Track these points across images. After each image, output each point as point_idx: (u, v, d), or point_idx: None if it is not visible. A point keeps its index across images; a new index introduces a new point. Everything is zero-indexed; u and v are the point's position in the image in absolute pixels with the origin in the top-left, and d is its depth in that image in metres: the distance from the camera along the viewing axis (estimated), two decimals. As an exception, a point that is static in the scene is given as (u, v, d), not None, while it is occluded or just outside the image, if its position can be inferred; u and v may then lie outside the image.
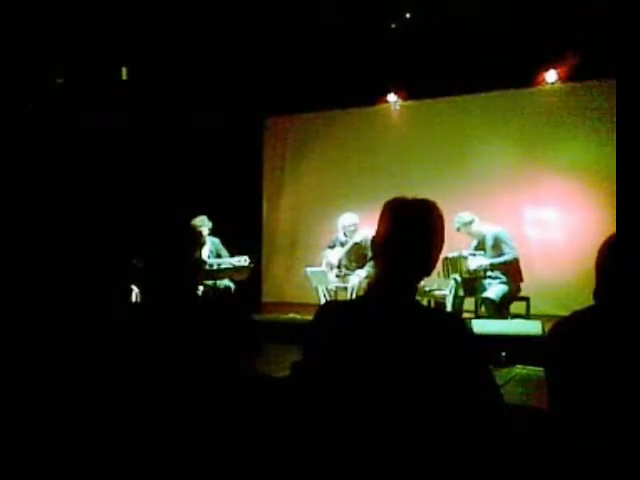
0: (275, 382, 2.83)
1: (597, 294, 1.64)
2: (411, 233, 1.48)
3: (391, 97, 7.31)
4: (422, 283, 5.48)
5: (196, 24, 5.88)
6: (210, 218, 6.17)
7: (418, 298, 5.29)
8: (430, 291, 5.76)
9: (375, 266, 1.54)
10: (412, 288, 1.50)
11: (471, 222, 5.58)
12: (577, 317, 1.61)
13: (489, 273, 5.50)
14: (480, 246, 5.64)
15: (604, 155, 6.40)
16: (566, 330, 1.62)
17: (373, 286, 1.52)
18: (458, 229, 5.59)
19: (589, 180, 6.45)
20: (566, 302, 5.44)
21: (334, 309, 1.55)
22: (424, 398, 1.37)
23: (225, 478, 1.73)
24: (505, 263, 5.43)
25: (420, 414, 1.37)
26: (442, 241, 1.54)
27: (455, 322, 1.46)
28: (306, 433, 1.44)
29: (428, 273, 1.53)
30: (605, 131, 6.37)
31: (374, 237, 1.55)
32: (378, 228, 1.55)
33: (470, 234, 5.66)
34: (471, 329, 1.52)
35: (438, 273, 5.61)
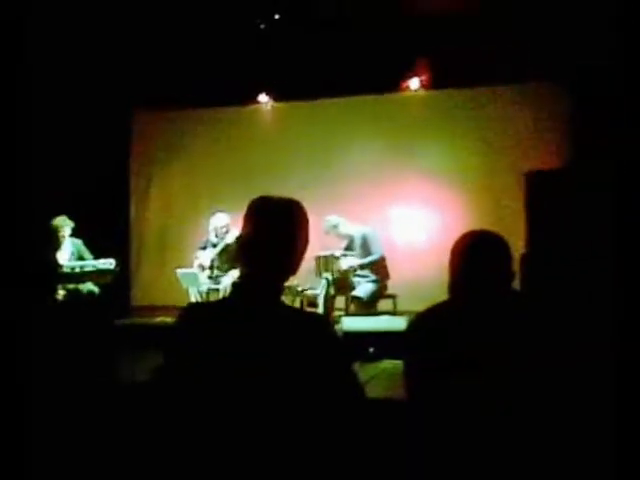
0: (137, 388, 2.73)
1: (451, 289, 1.75)
2: (274, 233, 1.48)
3: (262, 98, 7.32)
4: (295, 282, 5.55)
5: (64, 12, 5.52)
6: (72, 218, 5.83)
7: (291, 298, 5.29)
8: (303, 291, 5.84)
9: (241, 266, 1.53)
10: (276, 288, 1.50)
11: (337, 225, 5.79)
12: (431, 311, 1.71)
13: (359, 272, 5.70)
14: (349, 246, 5.83)
15: (463, 160, 6.89)
16: (421, 323, 1.71)
17: (237, 287, 1.51)
18: (327, 232, 5.75)
19: (449, 183, 6.89)
20: (430, 298, 5.74)
21: (196, 312, 1.52)
22: (288, 398, 1.38)
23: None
24: (373, 263, 5.67)
25: (283, 413, 1.38)
26: (306, 241, 1.55)
27: (317, 322, 1.48)
28: (167, 438, 1.40)
29: (292, 273, 1.53)
30: (463, 137, 6.85)
31: (239, 237, 1.54)
32: (243, 228, 1.54)
33: (339, 236, 5.86)
34: (334, 328, 1.56)
35: (311, 270, 5.72)
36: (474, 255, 1.70)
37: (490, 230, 1.77)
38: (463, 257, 1.72)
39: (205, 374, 1.41)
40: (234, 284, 1.53)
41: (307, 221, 1.55)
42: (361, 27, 6.19)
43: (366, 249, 5.73)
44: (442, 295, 1.77)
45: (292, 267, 1.53)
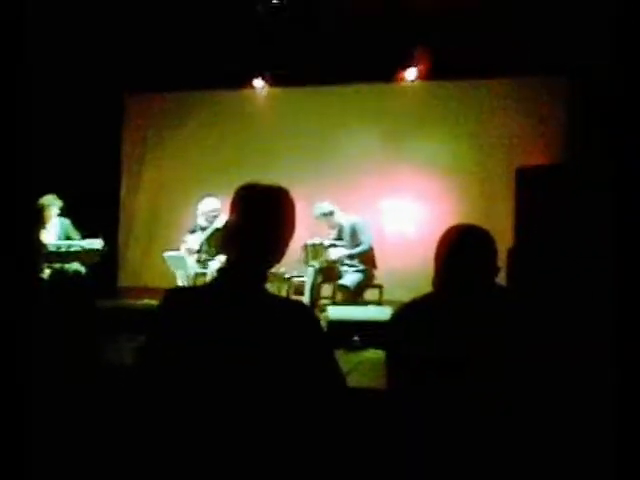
0: (123, 370, 2.73)
1: (435, 281, 1.76)
2: (260, 220, 1.48)
3: (257, 82, 7.27)
4: (282, 269, 5.56)
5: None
6: (61, 197, 5.79)
7: (277, 285, 5.30)
8: (290, 278, 5.85)
9: (226, 252, 1.54)
10: (261, 275, 1.51)
11: (330, 213, 5.75)
12: (415, 303, 1.72)
13: (346, 261, 5.72)
14: (339, 235, 5.84)
15: (456, 153, 6.89)
16: (404, 315, 1.72)
17: (222, 272, 1.51)
18: (317, 218, 5.74)
19: (441, 176, 6.90)
20: (416, 289, 5.76)
21: (179, 296, 1.52)
22: (269, 384, 1.39)
23: (72, 468, 1.66)
24: (361, 253, 5.68)
25: (265, 399, 1.39)
26: (293, 228, 1.55)
27: (300, 309, 1.49)
28: (148, 424, 1.40)
29: (277, 260, 1.54)
30: (457, 130, 6.85)
31: (226, 223, 1.54)
32: (229, 214, 1.54)
33: (329, 224, 5.85)
34: (316, 315, 1.57)
35: (299, 259, 5.73)
36: (459, 248, 1.71)
37: (476, 225, 1.78)
38: (448, 250, 1.73)
39: (186, 359, 1.41)
40: (219, 270, 1.53)
41: (293, 208, 1.55)
42: (360, 16, 6.15)
43: (355, 239, 5.74)
44: (428, 286, 1.78)
45: (277, 254, 1.53)
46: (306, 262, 5.75)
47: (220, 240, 5.82)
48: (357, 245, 5.72)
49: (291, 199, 1.55)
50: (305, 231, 6.26)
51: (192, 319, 1.44)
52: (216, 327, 1.41)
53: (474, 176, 6.83)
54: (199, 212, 6.12)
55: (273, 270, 4.70)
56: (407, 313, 1.73)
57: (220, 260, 5.81)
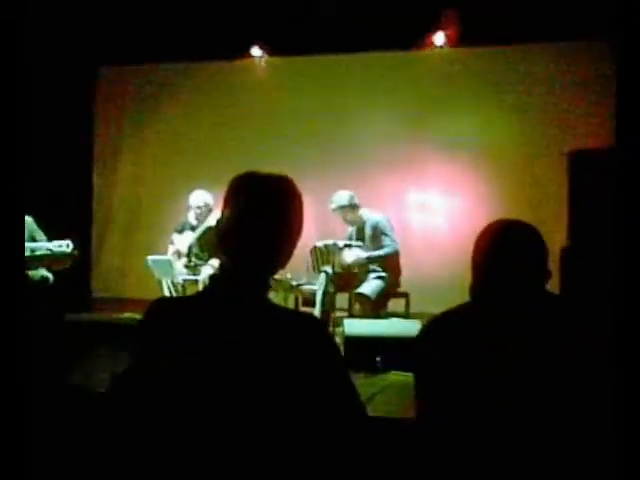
0: (96, 397, 2.75)
1: (473, 290, 1.75)
2: (261, 216, 1.48)
3: (255, 51, 7.29)
4: (288, 276, 5.56)
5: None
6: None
7: (283, 294, 5.29)
8: (298, 286, 5.85)
9: (220, 255, 1.54)
10: (262, 283, 1.51)
11: (354, 206, 5.72)
12: (449, 316, 1.71)
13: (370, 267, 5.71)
14: (358, 235, 5.82)
15: (494, 134, 6.87)
16: (436, 331, 1.71)
17: (215, 280, 1.51)
18: (335, 211, 5.72)
19: (477, 162, 6.88)
20: (449, 299, 5.75)
21: (165, 308, 1.53)
22: (272, 415, 1.38)
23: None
24: (384, 257, 5.66)
25: (271, 434, 1.38)
26: (300, 225, 1.56)
27: (310, 323, 1.49)
28: (127, 455, 1.41)
29: (282, 265, 1.54)
30: (494, 107, 6.82)
31: (219, 220, 1.54)
32: (223, 209, 1.54)
33: (346, 220, 5.83)
34: (330, 331, 1.57)
35: (308, 268, 5.73)
36: (501, 249, 1.70)
37: (521, 220, 1.77)
38: (487, 251, 1.72)
39: (174, 386, 1.41)
40: (212, 277, 1.54)
41: (301, 201, 1.56)
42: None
43: (377, 241, 5.72)
44: (464, 295, 1.78)
45: (282, 257, 1.53)
46: (316, 267, 5.75)
47: (213, 241, 5.84)
48: (378, 248, 5.70)
49: (297, 190, 1.55)
50: (314, 231, 6.28)
51: (181, 336, 1.44)
52: (209, 346, 1.41)
53: (516, 162, 6.81)
54: (188, 208, 6.14)
55: (277, 277, 4.71)
56: (439, 328, 1.72)
57: (213, 265, 5.83)
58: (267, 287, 1.53)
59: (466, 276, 1.80)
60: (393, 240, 5.71)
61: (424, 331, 1.76)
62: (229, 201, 1.53)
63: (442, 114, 7.02)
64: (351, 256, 5.65)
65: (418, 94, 7.07)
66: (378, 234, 5.72)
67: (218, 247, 1.53)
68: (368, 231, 5.77)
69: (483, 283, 1.72)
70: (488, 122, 6.90)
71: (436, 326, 1.74)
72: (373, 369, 4.27)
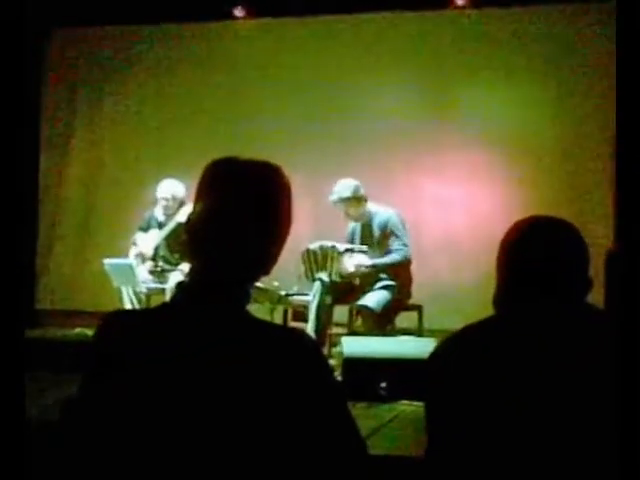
0: (46, 427, 2.77)
1: (497, 301, 1.75)
2: (241, 211, 1.48)
3: (238, 11, 7.31)
4: (275, 284, 5.56)
5: None
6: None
7: (269, 307, 5.27)
8: (287, 296, 5.85)
9: (190, 258, 1.54)
10: (241, 293, 1.50)
11: (359, 199, 5.67)
12: (469, 333, 1.71)
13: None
14: (364, 234, 5.80)
15: (526, 116, 6.86)
16: (453, 351, 1.71)
17: (184, 289, 1.51)
18: (336, 203, 5.67)
19: (505, 149, 6.89)
20: (473, 312, 5.75)
21: (124, 323, 1.52)
22: (253, 451, 1.38)
23: None
24: (393, 265, 5.64)
25: (249, 473, 1.39)
26: (288, 224, 1.56)
27: (299, 342, 1.48)
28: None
29: (267, 270, 1.54)
30: (526, 82, 6.82)
31: (189, 216, 1.54)
32: (195, 202, 1.54)
33: (349, 216, 5.80)
34: (322, 352, 1.57)
35: (299, 275, 5.73)
36: (530, 251, 1.70)
37: (556, 217, 1.77)
38: (514, 254, 1.72)
39: (134, 417, 1.41)
40: (179, 285, 1.53)
41: (289, 193, 1.56)
42: None
43: (386, 243, 5.69)
44: (488, 308, 1.78)
45: (265, 262, 1.53)
46: (310, 274, 5.75)
47: (182, 241, 5.83)
48: (387, 251, 5.67)
49: (286, 180, 1.55)
50: (307, 230, 6.27)
51: (141, 358, 1.43)
52: (175, 371, 1.40)
53: (556, 149, 6.80)
54: (155, 201, 6.15)
55: (262, 285, 4.73)
56: (457, 347, 1.71)
57: (185, 270, 5.83)
58: (247, 298, 1.52)
59: (491, 285, 1.80)
60: (405, 244, 5.67)
61: (439, 351, 1.76)
62: (202, 193, 1.52)
63: (466, 88, 7.04)
64: (352, 263, 5.63)
65: (436, 64, 7.08)
66: (388, 234, 5.70)
67: (188, 249, 1.52)
68: (376, 230, 5.75)
69: (508, 293, 1.72)
70: (522, 99, 6.91)
71: (453, 345, 1.73)
72: (377, 398, 4.28)
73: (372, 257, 5.68)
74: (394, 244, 5.67)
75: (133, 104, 7.78)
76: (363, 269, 5.63)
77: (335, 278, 5.66)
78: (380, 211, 5.80)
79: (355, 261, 5.65)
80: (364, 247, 5.74)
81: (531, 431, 1.55)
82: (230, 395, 1.39)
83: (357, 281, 5.69)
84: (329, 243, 5.74)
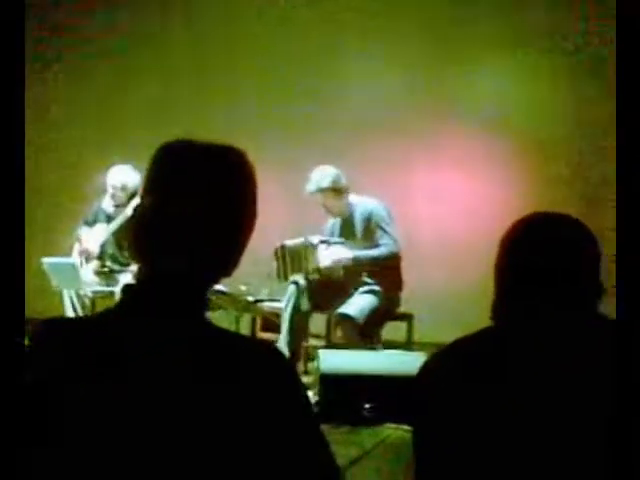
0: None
1: (495, 310, 1.75)
2: (197, 202, 1.47)
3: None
4: (242, 288, 5.55)
5: None
6: None
7: (234, 314, 5.28)
8: (255, 302, 5.84)
9: (137, 259, 1.53)
10: (198, 297, 1.50)
11: (338, 190, 5.64)
12: (463, 346, 1.71)
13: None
14: (345, 230, 5.80)
15: (542, 94, 6.88)
16: (444, 367, 1.71)
17: (131, 293, 1.50)
18: (313, 193, 5.65)
19: (514, 131, 6.92)
20: (467, 322, 5.76)
21: (62, 333, 1.51)
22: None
23: None
24: (378, 259, 5.64)
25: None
26: (253, 217, 1.55)
27: (265, 356, 1.48)
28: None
29: (227, 272, 1.53)
30: (535, 54, 6.85)
31: (137, 207, 1.54)
32: (143, 193, 1.53)
33: (328, 209, 5.78)
34: (295, 368, 1.56)
35: (269, 273, 5.71)
36: (533, 252, 1.70)
37: (564, 213, 1.78)
38: (514, 255, 1.73)
39: (75, 443, 1.40)
40: (127, 288, 1.52)
41: (254, 185, 1.55)
42: None
43: (371, 237, 5.69)
44: (486, 317, 1.78)
45: (226, 262, 1.53)
46: (282, 274, 5.75)
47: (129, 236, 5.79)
48: (372, 246, 5.66)
49: (250, 167, 1.55)
50: (281, 227, 6.24)
51: (84, 373, 1.42)
52: (122, 388, 1.39)
53: (564, 135, 6.82)
54: (103, 190, 6.12)
55: (225, 289, 4.72)
56: (449, 362, 1.72)
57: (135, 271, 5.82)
58: (205, 304, 1.52)
59: (490, 291, 1.81)
60: (392, 239, 5.67)
61: (428, 367, 1.76)
62: (151, 181, 1.52)
63: (466, 65, 7.05)
64: (329, 256, 5.60)
65: (431, 38, 7.09)
66: (373, 228, 5.70)
67: (134, 247, 1.51)
68: (358, 224, 5.75)
69: (507, 299, 1.73)
70: (532, 79, 6.94)
71: (445, 360, 1.74)
72: (359, 421, 4.29)
73: (352, 248, 5.70)
74: (381, 239, 5.66)
75: (79, 73, 7.77)
76: (344, 262, 5.62)
77: (312, 275, 5.64)
78: (362, 202, 5.82)
79: (333, 255, 5.63)
80: (341, 239, 5.75)
81: (536, 461, 1.55)
82: (192, 412, 1.38)
83: (341, 273, 5.64)
84: (302, 238, 5.73)
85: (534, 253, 1.70)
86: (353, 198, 5.82)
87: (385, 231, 5.68)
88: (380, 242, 5.68)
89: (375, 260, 5.66)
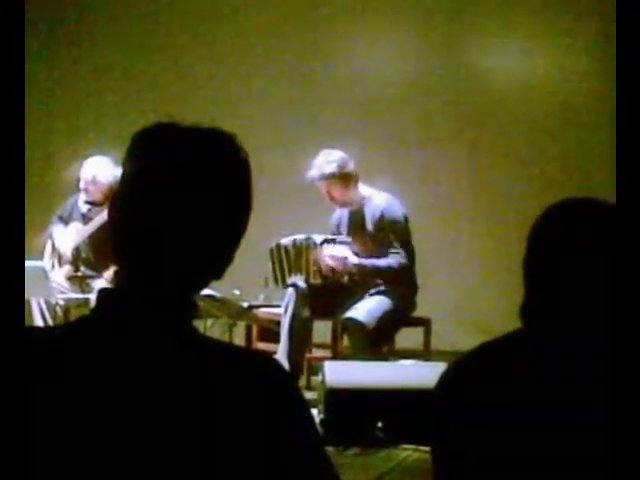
0: None
1: (525, 311, 1.75)
2: (181, 195, 1.47)
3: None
4: (235, 292, 5.56)
5: None
6: None
7: (226, 322, 5.32)
8: (251, 308, 5.85)
9: (115, 260, 1.53)
10: (183, 304, 1.49)
11: (346, 177, 5.58)
12: (488, 352, 1.71)
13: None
14: (353, 224, 5.78)
15: (565, 71, 6.92)
16: (467, 377, 1.71)
17: (108, 300, 1.49)
18: (314, 181, 5.61)
19: (537, 116, 7.01)
20: (491, 327, 5.77)
21: (30, 344, 1.50)
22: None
23: None
24: (386, 271, 5.61)
25: None
26: (247, 210, 1.55)
27: (263, 369, 1.48)
28: None
29: (217, 274, 1.53)
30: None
31: (112, 202, 1.53)
32: (120, 185, 1.53)
33: (333, 199, 5.73)
34: (296, 382, 1.56)
35: (266, 278, 5.71)
36: (567, 244, 1.70)
37: (600, 200, 1.77)
38: (546, 252, 1.73)
39: (47, 467, 1.39)
40: (103, 293, 1.51)
41: (248, 174, 1.55)
42: None
43: (382, 237, 5.65)
44: (514, 322, 1.78)
45: (217, 262, 1.53)
46: (280, 278, 5.75)
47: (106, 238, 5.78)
48: (385, 248, 5.63)
49: (242, 153, 1.54)
50: (274, 223, 6.22)
51: (53, 390, 1.42)
52: (100, 406, 1.39)
53: (605, 124, 6.84)
54: (78, 183, 6.12)
55: (217, 294, 4.73)
56: (472, 372, 1.72)
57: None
58: (191, 311, 1.52)
59: (518, 293, 1.81)
60: (404, 242, 5.63)
61: (449, 377, 1.77)
62: (129, 173, 1.51)
63: (480, 38, 7.09)
64: (334, 257, 5.58)
65: (447, 10, 7.15)
66: (385, 229, 5.66)
67: (112, 246, 1.50)
68: (369, 221, 5.72)
69: (538, 299, 1.72)
70: (558, 55, 7.01)
71: (470, 368, 1.74)
72: (371, 441, 4.30)
73: (362, 255, 5.67)
74: (392, 247, 5.60)
75: (57, 53, 7.92)
76: (348, 268, 5.61)
77: (314, 279, 5.63)
78: (376, 196, 5.77)
79: (336, 253, 5.62)
80: (348, 238, 5.72)
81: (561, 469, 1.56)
82: (179, 433, 1.38)
83: (345, 278, 5.65)
84: (303, 235, 5.71)
85: (569, 244, 1.71)
86: (365, 190, 5.78)
87: (398, 239, 5.64)
88: (390, 251, 5.62)
89: (382, 271, 5.64)
